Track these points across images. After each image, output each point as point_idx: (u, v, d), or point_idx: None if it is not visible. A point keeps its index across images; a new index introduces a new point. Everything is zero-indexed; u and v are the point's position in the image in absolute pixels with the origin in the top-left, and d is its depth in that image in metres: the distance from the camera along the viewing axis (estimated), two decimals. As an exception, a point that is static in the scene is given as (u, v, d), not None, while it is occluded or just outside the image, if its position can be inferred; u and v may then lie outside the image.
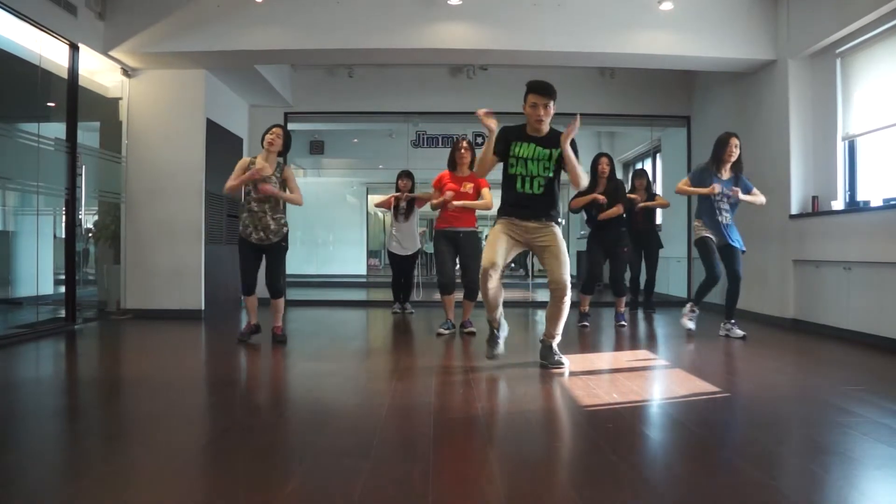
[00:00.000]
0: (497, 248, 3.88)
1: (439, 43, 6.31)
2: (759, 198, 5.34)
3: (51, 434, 2.74)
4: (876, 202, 5.36)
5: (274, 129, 4.95)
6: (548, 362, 3.98)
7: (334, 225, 13.11)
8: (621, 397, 3.28)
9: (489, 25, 6.29)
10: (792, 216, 6.15)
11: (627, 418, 2.88)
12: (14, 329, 5.39)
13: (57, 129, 5.73)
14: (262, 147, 4.90)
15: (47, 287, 5.92)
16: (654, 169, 10.10)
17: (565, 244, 3.97)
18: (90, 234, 7.03)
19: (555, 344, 4.02)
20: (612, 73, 8.39)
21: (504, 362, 4.27)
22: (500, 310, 4.07)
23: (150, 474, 2.20)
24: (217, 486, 2.08)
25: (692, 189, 5.36)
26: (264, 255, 4.98)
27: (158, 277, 6.62)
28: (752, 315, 6.79)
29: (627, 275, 6.94)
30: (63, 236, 5.95)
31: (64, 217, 5.89)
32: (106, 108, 6.79)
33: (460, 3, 6.13)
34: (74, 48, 5.74)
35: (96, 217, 7.09)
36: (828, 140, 5.97)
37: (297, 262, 9.62)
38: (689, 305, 5.69)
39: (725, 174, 5.29)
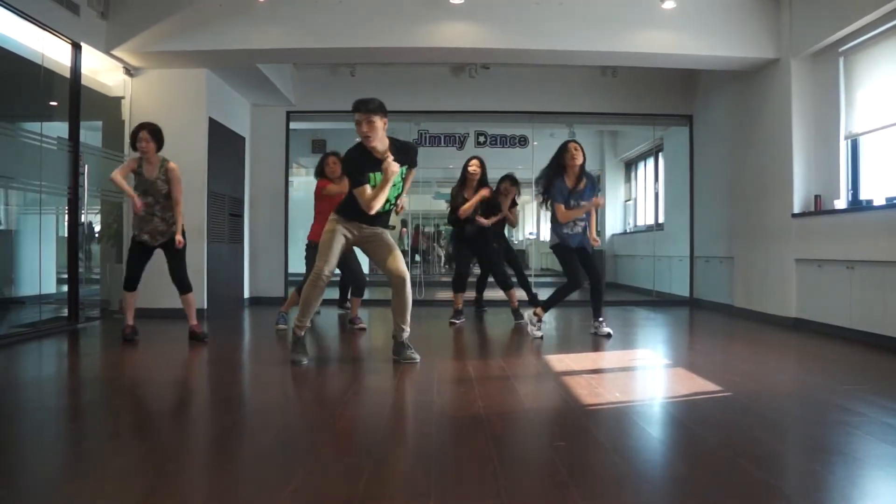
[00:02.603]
0: (334, 253, 3.96)
1: (441, 42, 6.30)
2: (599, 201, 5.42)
3: (53, 433, 2.74)
4: (879, 201, 5.34)
5: (141, 134, 4.84)
6: (400, 357, 4.08)
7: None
8: (623, 396, 3.28)
9: (491, 24, 6.28)
10: (794, 215, 6.14)
11: (630, 417, 2.88)
12: (17, 328, 5.40)
13: (59, 129, 5.73)
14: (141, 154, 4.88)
15: (50, 286, 5.92)
16: (657, 168, 10.10)
17: None
18: (95, 233, 7.03)
19: (405, 337, 4.12)
20: (613, 71, 8.37)
21: (506, 360, 4.27)
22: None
23: (153, 473, 2.20)
24: (219, 486, 2.08)
25: (572, 212, 5.20)
26: (164, 252, 4.99)
27: (161, 277, 6.58)
28: (755, 314, 6.79)
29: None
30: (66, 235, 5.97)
31: (66, 216, 5.90)
32: (108, 108, 6.80)
33: (462, 2, 6.12)
34: (77, 47, 5.74)
35: (98, 216, 7.10)
36: (830, 139, 5.96)
37: (299, 262, 9.65)
38: (533, 311, 5.34)
39: (573, 181, 5.21)
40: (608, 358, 4.55)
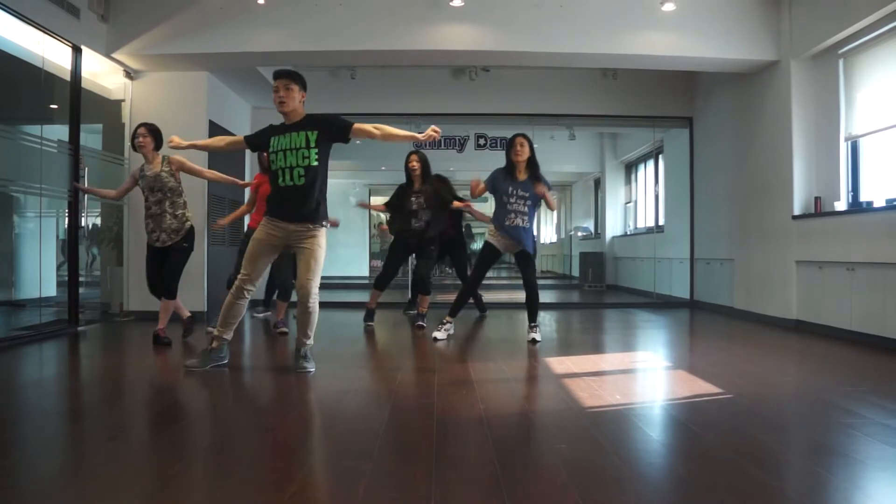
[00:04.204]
0: (256, 261, 3.84)
1: (441, 44, 6.31)
2: (552, 201, 5.19)
3: (53, 436, 2.74)
4: (879, 203, 5.35)
5: (139, 130, 4.86)
6: (294, 367, 3.93)
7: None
8: (624, 398, 3.27)
9: (491, 27, 6.29)
10: (795, 217, 6.14)
11: (630, 419, 2.88)
12: (17, 331, 5.39)
13: (60, 132, 5.74)
14: (139, 151, 4.88)
15: (50, 289, 5.92)
16: (657, 170, 10.10)
17: (324, 250, 3.86)
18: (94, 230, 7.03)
19: (305, 350, 3.95)
20: (614, 74, 8.38)
21: (506, 363, 4.26)
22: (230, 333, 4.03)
23: (153, 477, 2.20)
24: (219, 489, 2.08)
25: (482, 189, 5.16)
26: (166, 253, 4.90)
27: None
28: (755, 316, 6.78)
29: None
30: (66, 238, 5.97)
31: (66, 219, 5.90)
32: (108, 110, 6.80)
33: (462, 4, 6.13)
34: (77, 50, 5.75)
35: (98, 219, 7.10)
36: (830, 141, 5.96)
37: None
38: (445, 318, 5.37)
39: (522, 175, 5.09)
40: (609, 360, 4.55)
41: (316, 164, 3.78)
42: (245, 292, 3.91)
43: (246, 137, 4.05)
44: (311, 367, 3.90)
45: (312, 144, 3.76)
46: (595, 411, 2.98)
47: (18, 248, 6.27)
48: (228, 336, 4.03)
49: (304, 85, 3.87)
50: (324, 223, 3.87)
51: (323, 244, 3.85)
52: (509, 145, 5.12)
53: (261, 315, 6.86)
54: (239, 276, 3.91)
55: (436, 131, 3.89)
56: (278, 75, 3.82)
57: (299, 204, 3.77)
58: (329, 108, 8.56)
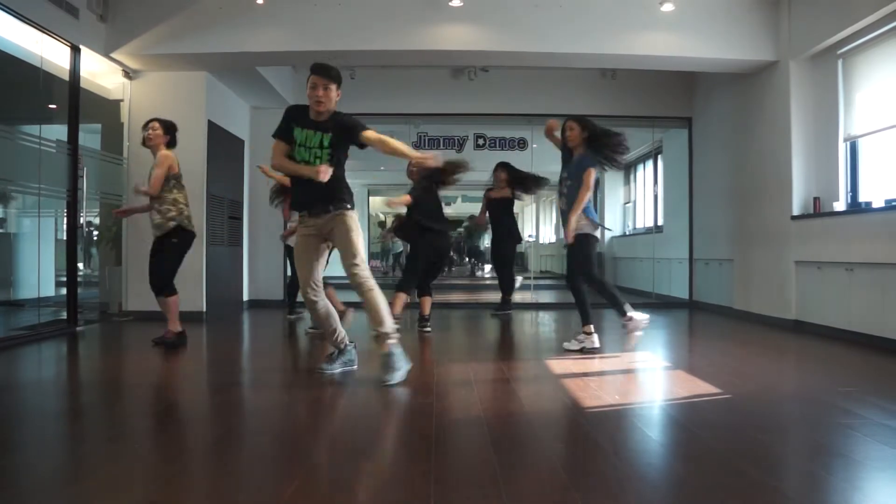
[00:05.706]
0: (306, 263, 3.75)
1: (441, 44, 6.31)
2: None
3: (53, 436, 2.74)
4: (878, 203, 5.35)
5: (151, 124, 4.88)
6: (386, 369, 3.56)
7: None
8: (623, 399, 3.27)
9: (490, 27, 6.29)
10: (794, 217, 6.14)
11: (629, 420, 2.88)
12: (16, 331, 5.39)
13: (58, 131, 5.73)
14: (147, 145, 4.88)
15: (49, 289, 5.91)
16: (656, 170, 10.10)
17: (357, 231, 3.69)
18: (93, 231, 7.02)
19: (389, 344, 3.59)
20: (613, 74, 8.39)
21: (506, 363, 4.26)
22: (341, 331, 3.90)
23: (152, 476, 2.20)
24: (219, 489, 2.08)
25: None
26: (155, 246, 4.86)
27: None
28: (754, 316, 6.79)
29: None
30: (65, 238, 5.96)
31: (66, 219, 5.90)
32: (107, 110, 6.80)
33: (461, 4, 6.13)
34: (76, 50, 5.74)
35: (98, 219, 7.10)
36: (829, 141, 5.96)
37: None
38: (584, 328, 4.76)
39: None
40: (608, 360, 4.55)
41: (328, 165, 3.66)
42: (313, 294, 3.75)
43: (277, 135, 3.74)
44: (392, 378, 3.51)
45: (326, 145, 3.66)
46: (594, 412, 2.98)
47: (17, 248, 6.27)
48: (342, 337, 3.89)
49: (340, 83, 3.69)
50: (348, 206, 3.70)
51: (353, 226, 3.67)
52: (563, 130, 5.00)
53: (294, 317, 6.75)
54: (300, 288, 3.80)
55: (433, 158, 3.73)
56: (317, 71, 3.60)
57: (318, 197, 3.67)
58: (328, 108, 8.57)
